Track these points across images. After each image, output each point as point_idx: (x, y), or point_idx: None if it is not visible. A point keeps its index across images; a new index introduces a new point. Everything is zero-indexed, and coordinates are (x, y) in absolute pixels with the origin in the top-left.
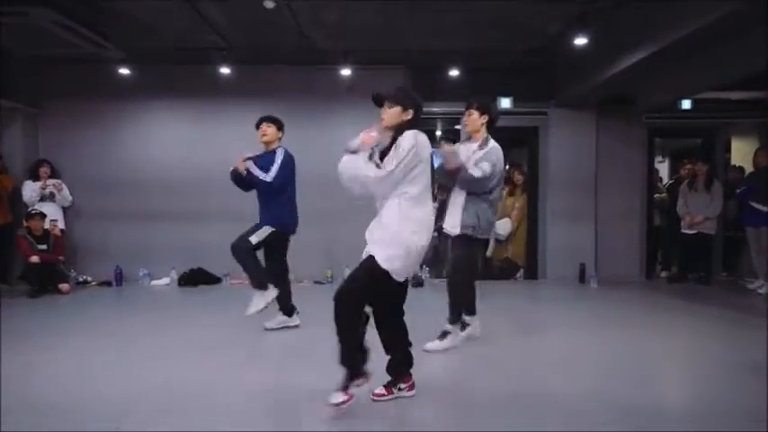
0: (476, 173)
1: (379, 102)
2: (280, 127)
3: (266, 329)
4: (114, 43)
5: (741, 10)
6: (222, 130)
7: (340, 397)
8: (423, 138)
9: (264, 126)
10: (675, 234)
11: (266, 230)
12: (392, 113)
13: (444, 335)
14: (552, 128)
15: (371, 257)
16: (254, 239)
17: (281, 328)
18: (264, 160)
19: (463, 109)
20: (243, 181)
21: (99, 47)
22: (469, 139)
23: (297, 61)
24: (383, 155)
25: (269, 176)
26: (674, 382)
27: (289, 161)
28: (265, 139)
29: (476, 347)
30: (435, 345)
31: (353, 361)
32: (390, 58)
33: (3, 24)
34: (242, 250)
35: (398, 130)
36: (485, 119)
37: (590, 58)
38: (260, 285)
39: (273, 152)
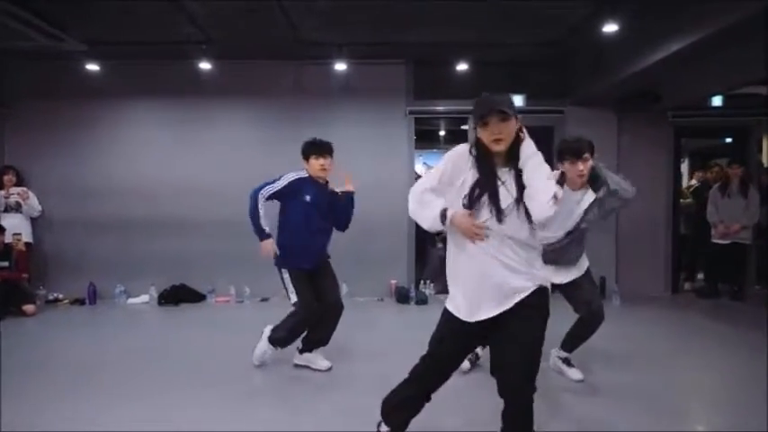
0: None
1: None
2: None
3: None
4: (75, 35)
5: None
6: (205, 131)
7: None
8: None
9: (323, 159)
10: (702, 243)
11: None
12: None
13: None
14: (569, 128)
15: None
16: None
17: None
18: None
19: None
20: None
21: (55, 39)
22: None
23: (286, 56)
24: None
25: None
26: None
27: None
28: (324, 174)
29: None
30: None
31: None
32: (390, 52)
33: None
34: None
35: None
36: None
37: (614, 49)
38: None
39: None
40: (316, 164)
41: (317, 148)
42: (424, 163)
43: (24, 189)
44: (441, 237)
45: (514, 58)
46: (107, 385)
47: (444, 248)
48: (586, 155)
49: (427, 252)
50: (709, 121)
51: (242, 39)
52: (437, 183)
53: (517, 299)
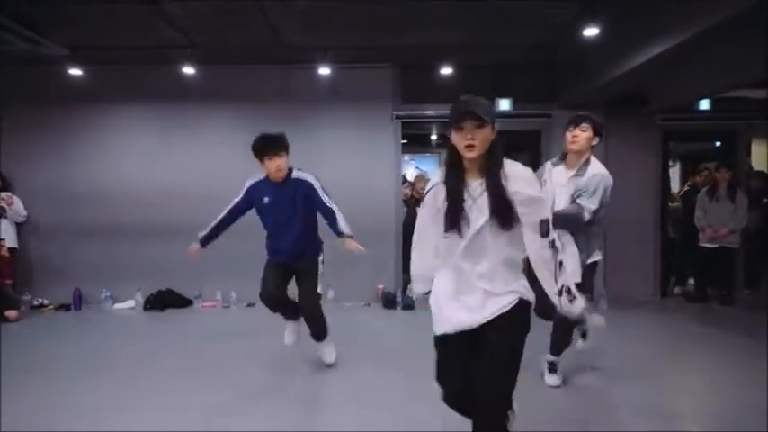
0: (585, 214)
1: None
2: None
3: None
4: (55, 40)
5: None
6: (191, 136)
7: None
8: None
9: (278, 159)
10: (691, 247)
11: (321, 263)
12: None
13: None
14: (556, 132)
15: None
16: (320, 288)
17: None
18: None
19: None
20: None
21: (33, 43)
22: (563, 159)
23: (271, 60)
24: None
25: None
26: None
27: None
28: (281, 175)
29: None
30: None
31: None
32: (376, 56)
33: None
34: (319, 311)
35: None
36: (596, 140)
37: (599, 52)
38: (324, 335)
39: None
40: (271, 166)
41: (268, 149)
42: (416, 167)
43: (9, 194)
44: None
45: (502, 62)
46: (94, 389)
47: None
48: (585, 125)
49: None
50: (697, 124)
51: (225, 43)
52: (428, 224)
53: (496, 314)
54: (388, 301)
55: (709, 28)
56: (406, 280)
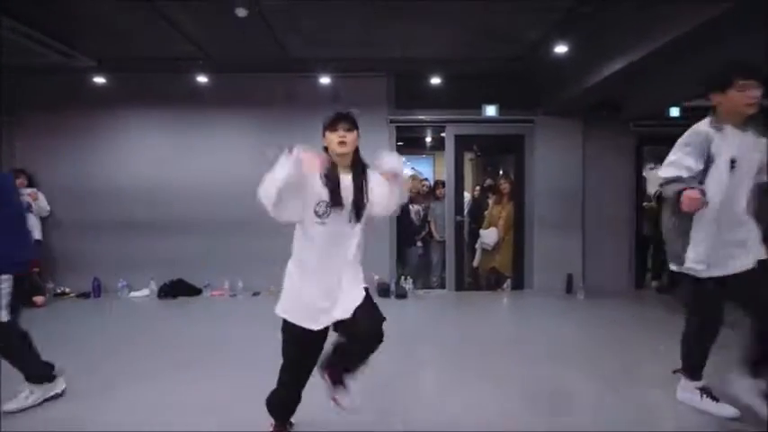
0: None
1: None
2: None
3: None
4: (84, 52)
5: (729, 13)
6: (201, 139)
7: None
8: None
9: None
10: (663, 244)
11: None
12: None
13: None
14: (539, 136)
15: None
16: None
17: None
18: None
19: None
20: None
21: (66, 56)
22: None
23: (277, 69)
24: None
25: None
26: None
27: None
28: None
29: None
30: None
31: None
32: (373, 66)
33: None
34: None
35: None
36: None
37: (573, 64)
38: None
39: None
40: None
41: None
42: (412, 168)
43: (34, 190)
44: (420, 236)
45: (487, 72)
46: (111, 368)
47: (423, 248)
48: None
49: (407, 251)
50: (667, 130)
51: (236, 55)
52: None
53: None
54: (383, 291)
55: (669, 41)
56: (400, 271)
